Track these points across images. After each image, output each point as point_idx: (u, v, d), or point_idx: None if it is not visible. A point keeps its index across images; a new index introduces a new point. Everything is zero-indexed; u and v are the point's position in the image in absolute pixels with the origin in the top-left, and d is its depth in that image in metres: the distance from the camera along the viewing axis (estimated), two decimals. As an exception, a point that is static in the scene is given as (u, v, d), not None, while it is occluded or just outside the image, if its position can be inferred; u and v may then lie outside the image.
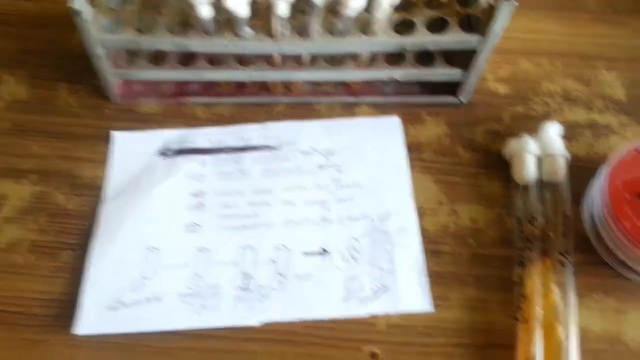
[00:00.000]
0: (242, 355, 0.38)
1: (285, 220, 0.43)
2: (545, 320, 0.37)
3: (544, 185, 0.42)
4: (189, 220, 0.43)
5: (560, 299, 0.37)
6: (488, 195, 0.44)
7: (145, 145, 0.46)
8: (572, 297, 0.38)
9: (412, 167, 0.45)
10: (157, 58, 0.46)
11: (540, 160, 0.43)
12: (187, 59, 0.46)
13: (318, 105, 0.48)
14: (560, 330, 0.36)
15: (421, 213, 0.43)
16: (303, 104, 0.48)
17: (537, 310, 0.37)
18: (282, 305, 0.40)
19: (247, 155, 0.46)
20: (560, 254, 0.39)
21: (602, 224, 0.39)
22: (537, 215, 0.41)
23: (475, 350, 0.37)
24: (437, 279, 0.40)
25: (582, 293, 0.39)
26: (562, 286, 0.38)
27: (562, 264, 0.38)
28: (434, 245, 0.42)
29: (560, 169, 0.42)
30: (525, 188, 0.42)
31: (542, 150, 0.43)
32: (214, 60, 0.46)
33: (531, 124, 0.46)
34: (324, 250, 0.42)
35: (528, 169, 0.42)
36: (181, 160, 0.46)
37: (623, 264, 0.39)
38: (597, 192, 0.39)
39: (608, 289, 0.39)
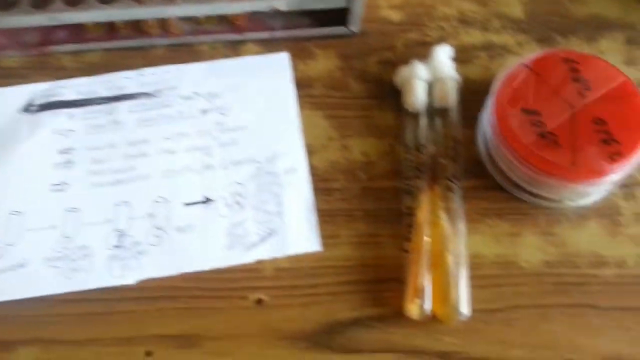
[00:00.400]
0: (118, 316, 0.35)
1: (164, 170, 0.40)
2: (434, 249, 0.35)
3: (435, 111, 0.40)
4: (56, 180, 0.39)
5: (450, 227, 0.35)
6: (380, 127, 0.41)
7: (6, 103, 0.42)
8: (462, 224, 0.36)
9: (302, 104, 0.42)
10: (9, 4, 0.42)
11: (431, 86, 0.41)
12: (44, 1, 0.42)
13: (200, 46, 0.44)
14: (449, 258, 0.34)
15: (311, 151, 0.40)
16: (183, 46, 0.44)
17: (425, 239, 0.35)
18: (161, 260, 0.37)
19: (122, 105, 0.42)
20: (448, 179, 0.37)
21: (492, 144, 0.37)
22: (427, 143, 0.39)
23: (364, 286, 0.35)
24: (327, 217, 0.38)
25: (476, 219, 0.37)
26: (452, 213, 0.36)
27: (451, 190, 0.36)
28: (323, 183, 0.39)
29: (450, 93, 0.40)
30: (416, 116, 0.40)
31: (432, 75, 0.41)
32: (75, 1, 0.42)
33: (425, 51, 0.43)
34: (207, 199, 0.39)
35: (417, 95, 0.39)
36: (47, 115, 0.41)
37: (516, 186, 0.37)
38: (487, 112, 0.37)
39: (502, 212, 0.37)
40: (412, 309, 0.33)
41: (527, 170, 0.35)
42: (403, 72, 0.41)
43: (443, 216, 0.36)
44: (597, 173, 0.34)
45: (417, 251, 0.35)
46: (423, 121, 0.39)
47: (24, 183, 0.39)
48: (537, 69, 0.37)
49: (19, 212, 0.38)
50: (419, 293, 0.33)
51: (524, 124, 0.35)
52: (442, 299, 0.33)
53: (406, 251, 0.35)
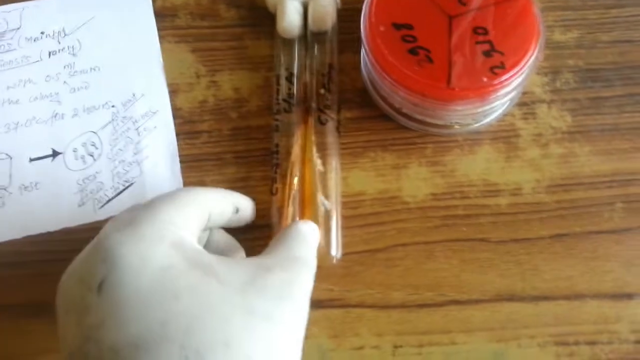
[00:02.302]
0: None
1: (7, 124, 0.34)
2: (305, 190, 0.31)
3: (313, 36, 0.35)
4: None
5: (322, 164, 0.31)
6: (254, 58, 0.36)
7: None
8: (335, 160, 0.32)
9: (164, 37, 0.36)
10: None
11: (306, 7, 0.36)
12: None
13: (49, -21, 0.39)
14: (319, 198, 0.31)
15: (174, 90, 0.35)
16: (29, -20, 0.39)
17: (295, 180, 0.31)
18: (4, 223, 0.33)
19: (-41, 52, 0.37)
20: (320, 110, 0.33)
21: (370, 69, 0.32)
22: (302, 73, 0.34)
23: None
24: (193, 162, 0.33)
25: (357, 152, 0.33)
26: (325, 148, 0.32)
27: (322, 122, 0.32)
28: (189, 126, 0.34)
29: (327, 14, 0.34)
30: (290, 43, 0.35)
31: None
32: None
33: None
34: (55, 152, 0.34)
35: (290, 20, 0.34)
36: None
37: (400, 113, 0.33)
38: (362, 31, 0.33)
39: (386, 144, 0.33)
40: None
41: (404, 94, 0.30)
42: None
43: (315, 153, 0.31)
44: (477, 90, 0.29)
45: (286, 193, 0.31)
46: (297, 48, 0.34)
47: None
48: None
49: None
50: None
51: (395, 41, 0.30)
52: None
53: (273, 194, 0.31)
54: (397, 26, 0.31)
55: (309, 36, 0.35)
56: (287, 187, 0.31)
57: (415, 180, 0.32)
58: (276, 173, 0.31)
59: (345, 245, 0.31)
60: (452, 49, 0.30)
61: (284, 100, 0.33)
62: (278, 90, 0.34)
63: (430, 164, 0.33)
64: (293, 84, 0.33)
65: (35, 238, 0.32)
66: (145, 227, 0.23)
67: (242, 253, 0.30)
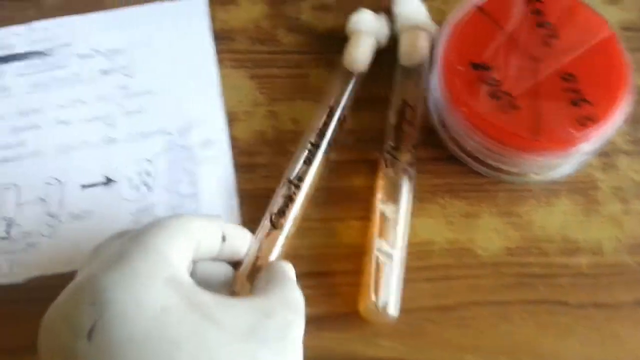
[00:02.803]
0: (2, 322, 0.29)
1: (58, 145, 0.33)
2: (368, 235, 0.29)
3: (399, 69, 0.33)
4: None
5: (385, 207, 0.29)
6: (314, 88, 0.34)
7: None
8: (404, 205, 0.29)
9: (222, 61, 0.35)
10: None
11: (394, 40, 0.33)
12: None
13: (102, -8, 0.38)
14: (375, 246, 0.28)
15: (232, 119, 0.34)
16: (82, -8, 0.37)
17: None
18: (54, 254, 0.31)
19: (9, 67, 0.35)
20: (392, 148, 0.30)
21: (442, 108, 0.30)
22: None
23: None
24: (249, 198, 0.32)
25: (425, 197, 0.31)
26: (391, 192, 0.30)
27: (388, 164, 0.30)
28: (246, 158, 0.33)
29: (421, 48, 0.32)
30: (351, 75, 0.33)
31: (397, 24, 0.33)
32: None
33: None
34: (108, 180, 0.33)
35: (363, 54, 0.32)
36: None
37: (472, 157, 0.31)
38: (434, 68, 0.31)
39: (456, 189, 0.31)
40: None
41: (479, 139, 0.28)
42: (352, 22, 0.34)
43: (378, 194, 0.30)
44: (564, 142, 0.27)
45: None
46: (355, 82, 0.32)
47: None
48: (492, 11, 0.30)
49: None
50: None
51: (474, 82, 0.28)
52: (364, 294, 0.28)
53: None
54: (477, 66, 0.29)
55: (398, 69, 0.33)
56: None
57: (488, 231, 0.30)
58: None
59: (411, 299, 0.29)
60: (538, 95, 0.28)
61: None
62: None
63: (503, 214, 0.31)
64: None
65: (85, 271, 0.31)
66: (137, 262, 0.21)
67: (228, 272, 0.28)
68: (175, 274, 0.22)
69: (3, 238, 0.31)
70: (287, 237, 0.29)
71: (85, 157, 0.33)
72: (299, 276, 0.30)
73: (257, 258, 0.28)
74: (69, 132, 0.34)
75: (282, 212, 0.30)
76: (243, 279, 0.27)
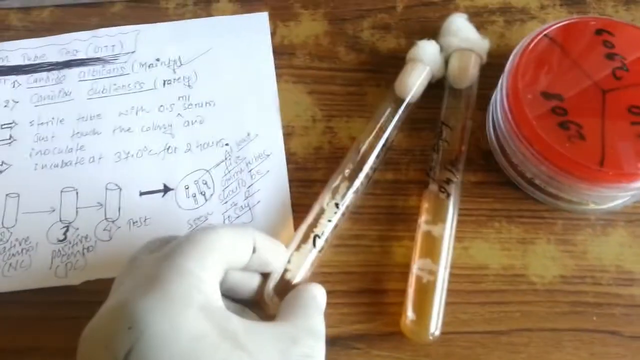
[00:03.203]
0: (58, 324, 0.30)
1: (118, 152, 0.34)
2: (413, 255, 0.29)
3: (450, 90, 0.33)
4: (-6, 159, 0.34)
5: (429, 227, 0.29)
6: (372, 107, 0.34)
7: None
8: (451, 230, 0.30)
9: (280, 76, 0.36)
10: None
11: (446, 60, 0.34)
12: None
13: (165, 2, 0.38)
14: (419, 267, 0.28)
15: (289, 133, 0.34)
16: (146, 2, 0.38)
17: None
18: (110, 258, 0.32)
19: (73, 72, 0.36)
20: (446, 168, 0.30)
21: (503, 133, 0.30)
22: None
23: (344, 298, 0.29)
24: (304, 214, 0.31)
25: (481, 221, 0.31)
26: (433, 211, 0.30)
27: (430, 184, 0.30)
28: (302, 173, 0.33)
29: (471, 69, 0.32)
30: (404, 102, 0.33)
31: (448, 47, 0.33)
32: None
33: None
34: (166, 187, 0.34)
35: (411, 84, 0.32)
36: (-13, 83, 0.36)
37: (531, 183, 0.31)
38: (499, 93, 0.31)
39: (513, 214, 0.31)
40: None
41: (544, 168, 0.28)
42: (411, 51, 0.33)
43: (425, 216, 0.30)
44: (629, 175, 0.27)
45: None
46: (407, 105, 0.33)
47: (-44, 164, 0.34)
48: (561, 40, 0.30)
49: (-51, 198, 0.33)
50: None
51: (543, 111, 0.28)
52: (404, 312, 0.28)
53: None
54: (547, 96, 0.29)
55: (447, 89, 0.33)
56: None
57: (543, 259, 0.31)
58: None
59: (463, 322, 0.29)
60: (606, 127, 0.28)
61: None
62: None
63: (559, 242, 0.31)
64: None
65: (142, 277, 0.32)
66: (172, 286, 0.22)
67: (258, 282, 0.28)
68: (208, 300, 0.22)
69: (61, 241, 0.32)
70: (321, 252, 0.29)
71: (144, 164, 0.34)
72: (350, 292, 0.30)
73: (285, 271, 0.28)
74: (129, 139, 0.34)
75: (314, 226, 0.30)
76: (271, 291, 0.28)
